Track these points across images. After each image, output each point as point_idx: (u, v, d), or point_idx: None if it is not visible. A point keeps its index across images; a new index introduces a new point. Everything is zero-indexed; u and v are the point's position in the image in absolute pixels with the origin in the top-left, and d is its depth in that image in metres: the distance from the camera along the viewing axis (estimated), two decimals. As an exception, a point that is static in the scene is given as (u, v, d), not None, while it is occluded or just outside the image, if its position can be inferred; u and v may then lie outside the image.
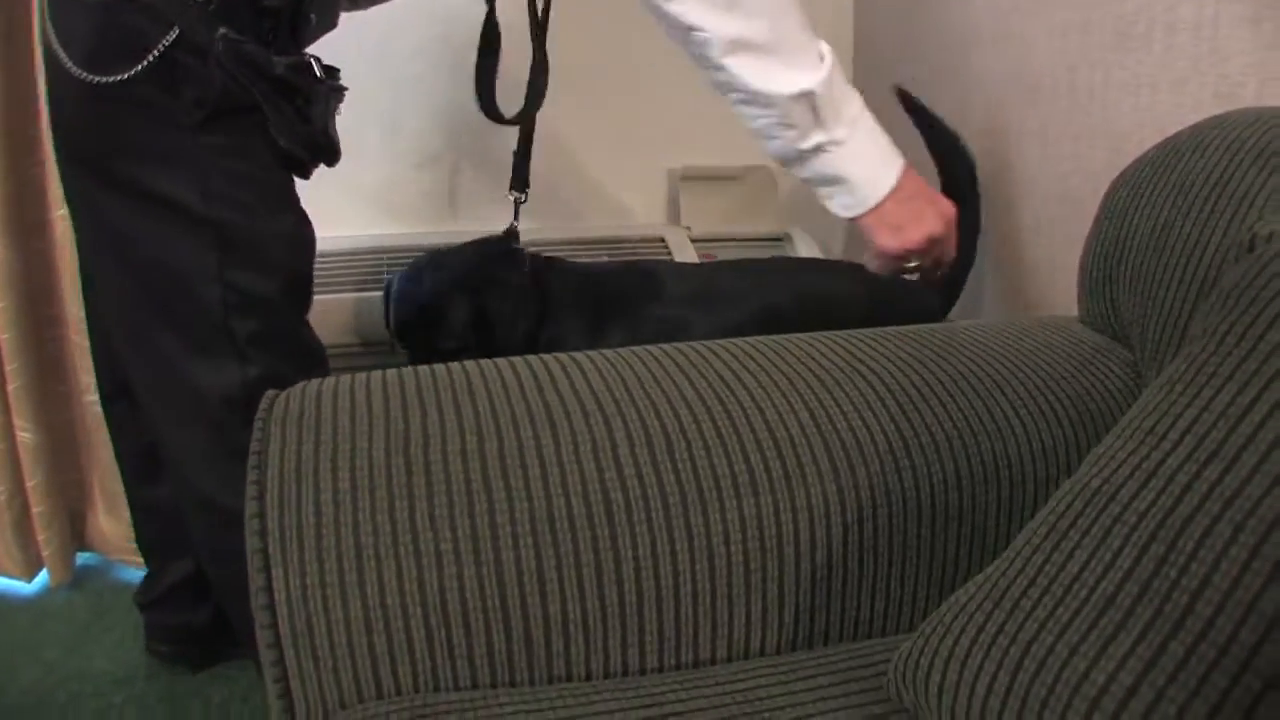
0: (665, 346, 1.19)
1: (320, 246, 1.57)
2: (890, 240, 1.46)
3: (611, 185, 2.54)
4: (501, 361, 1.16)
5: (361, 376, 1.12)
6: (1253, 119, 1.18)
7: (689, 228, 2.42)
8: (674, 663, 1.03)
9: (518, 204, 1.84)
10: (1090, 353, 1.27)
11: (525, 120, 1.87)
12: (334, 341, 2.01)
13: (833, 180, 1.43)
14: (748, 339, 1.23)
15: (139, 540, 1.98)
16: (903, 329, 1.28)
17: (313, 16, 1.44)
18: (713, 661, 1.04)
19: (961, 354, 1.22)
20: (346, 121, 1.50)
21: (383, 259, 2.27)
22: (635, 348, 1.19)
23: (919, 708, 0.86)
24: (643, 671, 1.01)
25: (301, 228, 1.51)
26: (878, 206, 1.44)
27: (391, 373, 1.12)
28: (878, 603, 1.08)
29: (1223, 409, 0.74)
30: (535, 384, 1.10)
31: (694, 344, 1.19)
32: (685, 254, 2.23)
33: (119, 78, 1.30)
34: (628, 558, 0.99)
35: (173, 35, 1.30)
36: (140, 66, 1.30)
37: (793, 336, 1.24)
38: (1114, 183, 1.35)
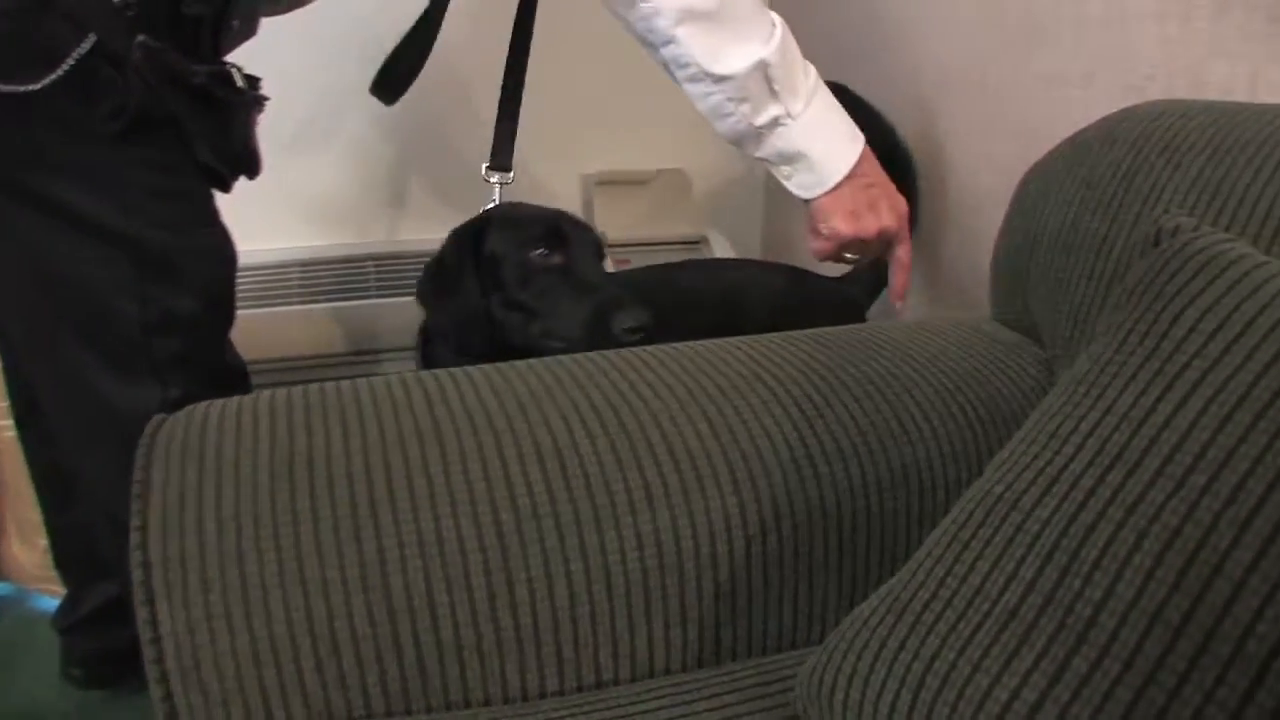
0: (562, 358, 1.15)
1: (256, 259, 1.51)
2: (845, 225, 1.42)
3: (524, 192, 2.49)
4: (394, 378, 1.11)
5: (250, 397, 1.07)
6: (1160, 112, 1.17)
7: (604, 233, 2.38)
8: (575, 685, 0.99)
9: (501, 187, 1.68)
10: (1003, 352, 1.24)
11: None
12: (270, 356, 1.98)
13: (792, 158, 1.39)
14: (645, 348, 1.19)
15: (57, 563, 1.91)
16: (808, 332, 1.25)
17: (235, 23, 1.38)
18: (616, 682, 1.00)
19: (870, 357, 1.18)
20: (280, 130, 1.44)
21: (322, 270, 2.23)
22: (531, 360, 1.15)
23: (827, 725, 0.82)
24: (542, 696, 0.98)
25: (223, 243, 1.44)
26: (837, 188, 1.40)
27: (281, 392, 1.07)
28: (786, 616, 1.04)
29: (1125, 411, 0.71)
30: (425, 400, 1.05)
31: (590, 354, 1.15)
32: (600, 261, 2.19)
33: (32, 88, 1.24)
34: (520, 579, 0.95)
35: (89, 43, 1.23)
36: (54, 76, 1.23)
37: (693, 344, 1.20)
38: (1024, 178, 1.34)
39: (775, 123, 1.35)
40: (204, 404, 1.06)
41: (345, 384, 1.09)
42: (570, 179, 2.53)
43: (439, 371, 1.12)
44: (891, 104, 1.97)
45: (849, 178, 1.40)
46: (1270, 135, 1.01)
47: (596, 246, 1.51)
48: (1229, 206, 0.99)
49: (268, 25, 1.48)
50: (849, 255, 1.48)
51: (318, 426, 1.00)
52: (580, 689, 0.99)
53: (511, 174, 1.66)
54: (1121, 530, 0.66)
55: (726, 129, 1.37)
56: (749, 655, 1.04)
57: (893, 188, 1.49)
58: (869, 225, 1.43)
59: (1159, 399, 0.70)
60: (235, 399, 1.07)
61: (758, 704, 0.92)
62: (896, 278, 1.53)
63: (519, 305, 1.46)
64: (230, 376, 1.51)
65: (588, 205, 2.52)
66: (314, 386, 1.08)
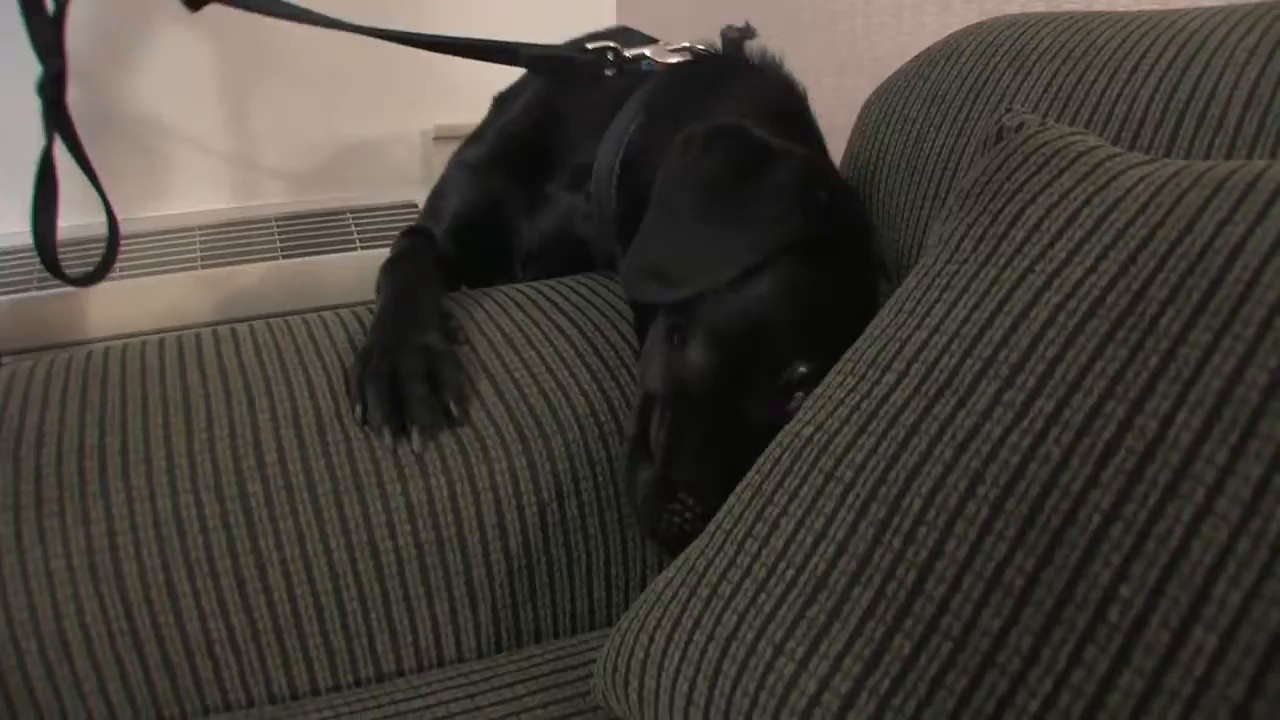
0: (341, 311, 1.00)
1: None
2: None
3: (359, 152, 2.34)
4: (153, 340, 0.96)
5: None
6: (1009, 23, 1.08)
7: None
8: (351, 680, 0.85)
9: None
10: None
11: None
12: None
13: None
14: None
15: None
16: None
17: None
18: (400, 673, 0.86)
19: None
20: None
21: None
22: (307, 315, 1.01)
23: (627, 717, 0.69)
24: (315, 692, 0.84)
25: None
26: None
27: (21, 367, 0.93)
28: (596, 591, 0.91)
29: (955, 329, 0.58)
30: (179, 364, 0.91)
31: (357, 308, 1.01)
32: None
33: None
34: (273, 560, 0.81)
35: None
36: None
37: (483, 290, 1.07)
38: (866, 102, 1.24)
39: None
40: None
41: (98, 349, 0.95)
42: (409, 136, 2.38)
43: (205, 331, 0.98)
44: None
45: None
46: (1127, 38, 0.93)
47: None
48: (1084, 112, 0.91)
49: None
50: None
51: (54, 398, 0.87)
52: (358, 683, 0.85)
53: None
54: (951, 473, 0.53)
55: None
56: (555, 637, 0.91)
57: None
58: None
59: (995, 313, 0.57)
60: None
61: (551, 694, 0.79)
62: None
63: None
64: None
65: (426, 162, 2.37)
66: (63, 355, 0.94)
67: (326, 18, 1.23)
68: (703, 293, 0.82)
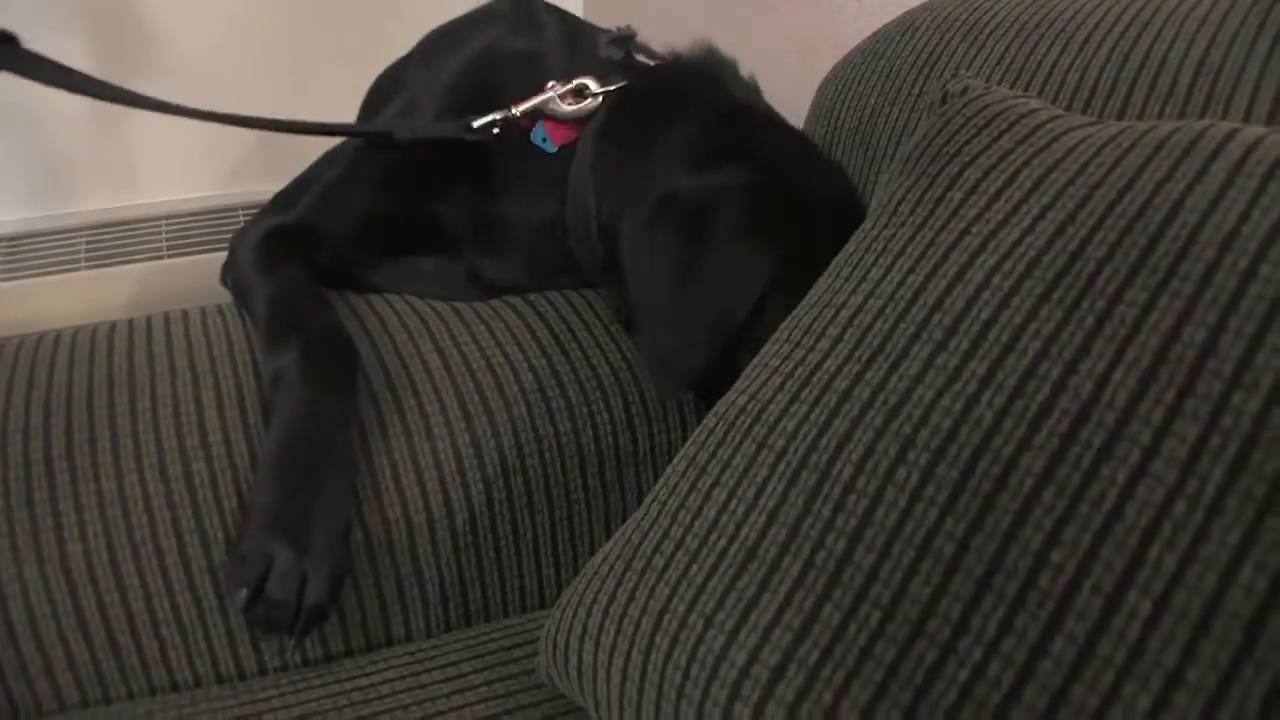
0: None
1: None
2: None
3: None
4: (104, 324, 0.96)
5: None
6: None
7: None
8: (298, 660, 0.84)
9: None
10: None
11: None
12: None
13: None
14: None
15: None
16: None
17: None
18: (348, 654, 0.85)
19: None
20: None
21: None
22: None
23: (571, 693, 0.68)
24: (261, 672, 0.83)
25: None
26: None
27: None
28: (545, 568, 0.90)
29: (890, 293, 0.57)
30: (129, 344, 0.91)
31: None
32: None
33: None
34: (218, 540, 0.80)
35: None
36: None
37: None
38: (823, 81, 1.23)
39: None
40: None
41: (50, 333, 0.95)
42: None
43: (156, 315, 0.97)
44: (671, 30, 1.86)
45: None
46: (1080, 9, 0.93)
47: None
48: (1035, 83, 0.91)
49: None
50: None
51: (1, 381, 0.87)
52: (305, 663, 0.84)
53: None
54: (881, 439, 0.51)
55: None
56: (505, 615, 0.90)
57: None
58: None
59: (930, 275, 0.56)
60: None
61: (497, 670, 0.78)
62: None
63: None
64: None
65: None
66: (14, 338, 0.94)
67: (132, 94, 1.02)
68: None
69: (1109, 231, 0.52)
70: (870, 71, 1.11)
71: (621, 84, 0.98)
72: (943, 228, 0.57)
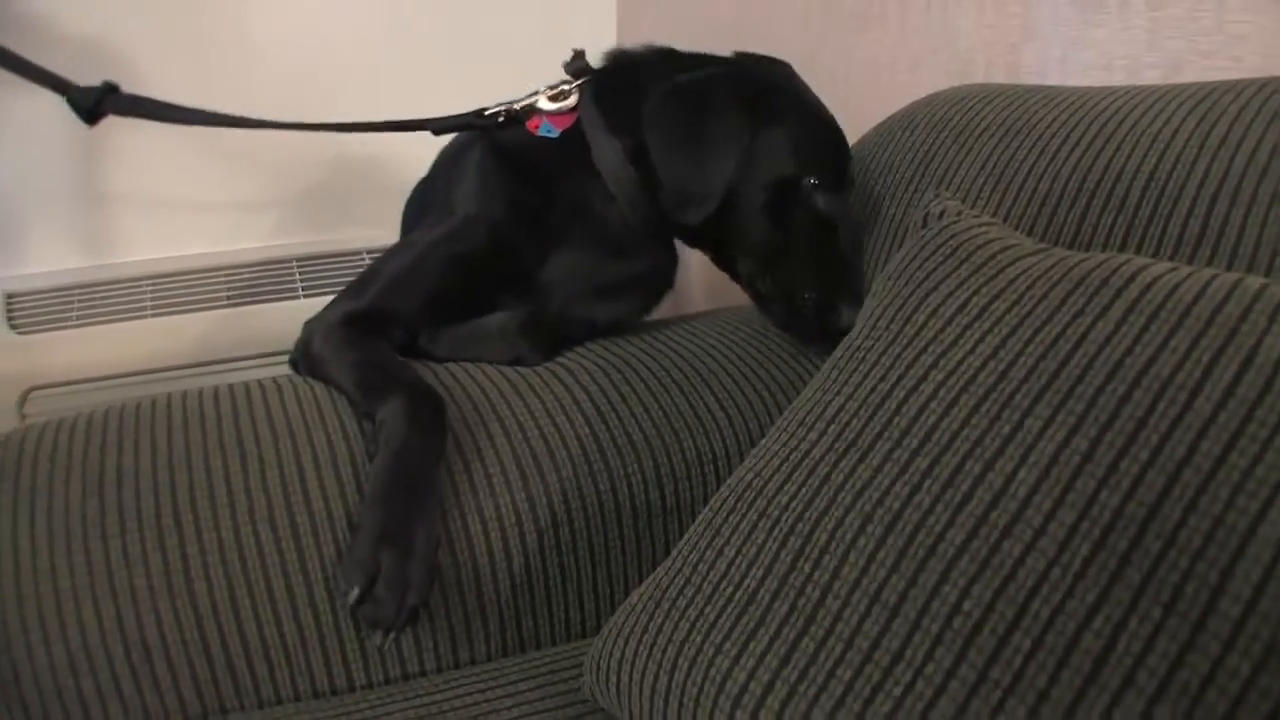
0: None
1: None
2: None
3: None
4: (208, 390, 1.11)
5: (69, 419, 1.06)
6: (959, 97, 1.20)
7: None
8: (382, 679, 0.99)
9: None
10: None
11: None
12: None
13: None
14: None
15: None
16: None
17: None
18: (422, 674, 1.00)
19: (668, 352, 1.19)
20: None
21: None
22: None
23: (612, 709, 0.84)
24: (351, 689, 0.98)
25: None
26: None
27: (99, 412, 1.06)
28: (587, 604, 1.05)
29: (865, 396, 0.73)
30: (233, 412, 1.05)
31: None
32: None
33: None
34: (318, 580, 0.95)
35: None
36: None
37: None
38: None
39: None
40: (20, 429, 1.06)
41: (160, 398, 1.09)
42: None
43: (251, 383, 1.12)
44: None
45: None
46: (1058, 118, 1.04)
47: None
48: (1013, 188, 1.02)
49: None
50: None
51: (128, 444, 1.00)
52: (387, 681, 0.99)
53: None
54: (849, 514, 0.68)
55: None
56: (552, 643, 1.05)
57: None
58: None
59: (895, 384, 0.72)
60: (55, 421, 1.06)
61: (550, 689, 0.93)
62: None
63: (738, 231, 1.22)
64: None
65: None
66: (130, 403, 1.08)
67: (231, 117, 1.27)
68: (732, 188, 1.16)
69: (1029, 357, 0.67)
70: (875, 163, 1.23)
71: (593, 73, 1.28)
72: (908, 344, 0.73)
